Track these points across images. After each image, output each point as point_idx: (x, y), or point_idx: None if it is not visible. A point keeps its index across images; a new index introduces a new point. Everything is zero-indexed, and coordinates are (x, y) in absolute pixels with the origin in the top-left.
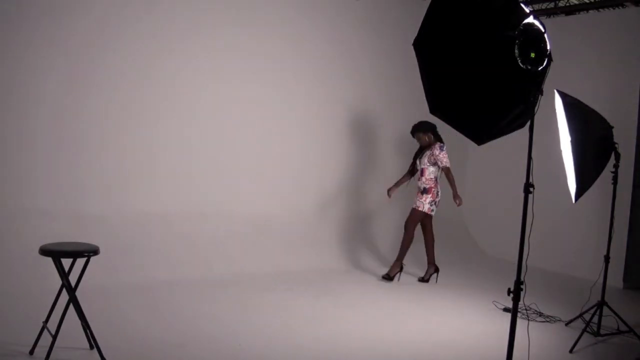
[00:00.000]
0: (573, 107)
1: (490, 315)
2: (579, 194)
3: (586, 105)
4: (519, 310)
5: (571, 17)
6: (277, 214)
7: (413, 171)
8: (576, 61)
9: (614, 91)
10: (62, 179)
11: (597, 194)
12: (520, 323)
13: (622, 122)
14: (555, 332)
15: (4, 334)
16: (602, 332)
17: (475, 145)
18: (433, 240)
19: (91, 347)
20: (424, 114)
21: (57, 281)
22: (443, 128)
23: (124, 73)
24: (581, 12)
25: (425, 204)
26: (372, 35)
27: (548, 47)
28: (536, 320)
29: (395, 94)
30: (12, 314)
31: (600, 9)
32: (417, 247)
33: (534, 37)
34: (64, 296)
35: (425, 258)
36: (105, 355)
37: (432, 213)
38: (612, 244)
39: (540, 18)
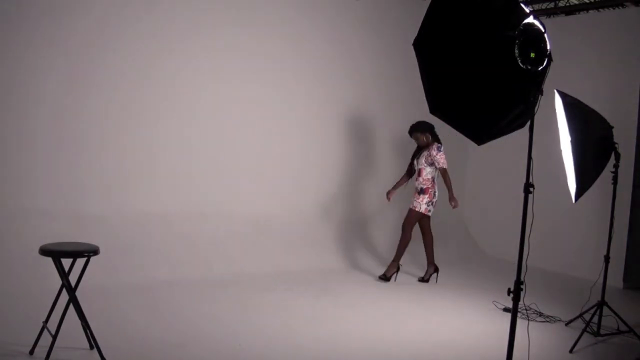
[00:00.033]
0: (573, 107)
1: (490, 315)
2: (579, 194)
3: (586, 105)
4: (519, 310)
5: (571, 17)
6: (277, 214)
7: (411, 172)
8: (576, 61)
9: (614, 91)
10: (62, 179)
11: (597, 194)
12: (520, 323)
13: (622, 122)
14: (555, 332)
15: (4, 334)
16: (602, 332)
17: (475, 145)
18: (432, 240)
19: (91, 347)
20: (424, 114)
21: (57, 281)
22: (443, 128)
23: (124, 73)
24: (581, 12)
25: (422, 204)
26: (372, 35)
27: (548, 47)
28: (536, 320)
29: (395, 94)
30: (12, 314)
31: (600, 9)
32: (416, 247)
33: (534, 37)
34: (64, 296)
35: (424, 258)
36: (105, 355)
37: (429, 213)
38: (612, 244)
39: (540, 18)
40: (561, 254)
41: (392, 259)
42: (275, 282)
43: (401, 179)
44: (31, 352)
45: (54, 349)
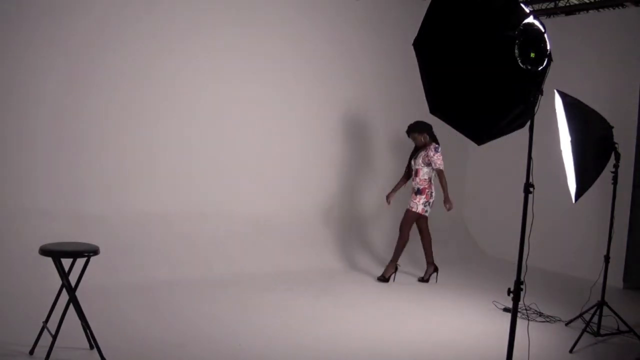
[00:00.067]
0: (573, 107)
1: (490, 315)
2: (579, 194)
3: (586, 105)
4: (519, 310)
5: (571, 17)
6: (277, 214)
7: (409, 174)
8: (576, 61)
9: (614, 91)
10: (62, 179)
11: (597, 194)
12: (520, 323)
13: (622, 122)
14: (555, 332)
15: (4, 334)
16: (602, 332)
17: (475, 145)
18: (430, 240)
19: (91, 347)
20: (424, 114)
21: (57, 281)
22: (443, 128)
23: (124, 73)
24: (581, 12)
25: (418, 204)
26: (372, 35)
27: (548, 47)
28: (536, 320)
29: (395, 94)
30: (12, 314)
31: (600, 9)
32: (414, 248)
33: (534, 37)
34: (64, 296)
35: (424, 258)
36: (105, 355)
37: (426, 214)
38: (612, 244)
39: (540, 18)
40: (561, 254)
41: (390, 259)
42: (275, 282)
43: (400, 181)
44: (31, 352)
45: (54, 349)
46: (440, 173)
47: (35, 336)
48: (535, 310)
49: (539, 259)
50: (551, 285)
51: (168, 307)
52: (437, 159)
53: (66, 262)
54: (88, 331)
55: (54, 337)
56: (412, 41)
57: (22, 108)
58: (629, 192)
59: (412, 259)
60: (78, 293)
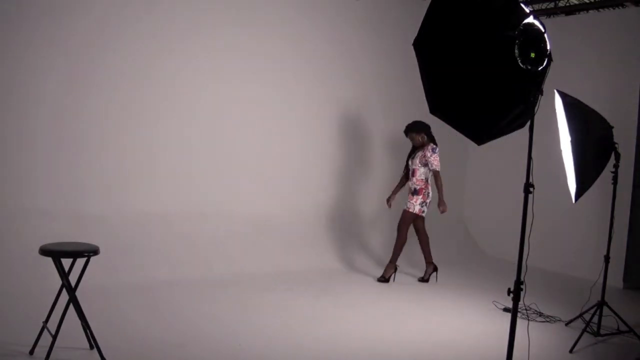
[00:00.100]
0: (573, 107)
1: (490, 315)
2: (579, 194)
3: (586, 105)
4: (519, 310)
5: (571, 17)
6: (277, 214)
7: (408, 175)
8: (576, 61)
9: (614, 91)
10: (62, 179)
11: (597, 194)
12: (520, 323)
13: (622, 122)
14: (555, 332)
15: (4, 334)
16: (602, 332)
17: (475, 145)
18: (428, 240)
19: (91, 347)
20: (424, 114)
21: (57, 281)
22: (443, 128)
23: (124, 73)
24: (581, 12)
25: (415, 205)
26: (372, 35)
27: (548, 47)
28: (536, 320)
29: (395, 94)
30: (12, 314)
31: (600, 9)
32: (413, 248)
33: (534, 37)
34: (64, 296)
35: (422, 258)
36: (105, 355)
37: (423, 214)
38: (612, 244)
39: (540, 18)
40: (561, 254)
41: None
42: (275, 282)
43: (399, 183)
44: (31, 352)
45: (54, 349)
46: (436, 174)
47: (35, 336)
48: (535, 310)
49: (539, 259)
50: (551, 285)
51: (168, 307)
52: (434, 160)
53: (66, 262)
54: (88, 331)
55: (54, 337)
56: (412, 41)
57: (22, 108)
58: (629, 192)
59: (410, 259)
60: (78, 293)
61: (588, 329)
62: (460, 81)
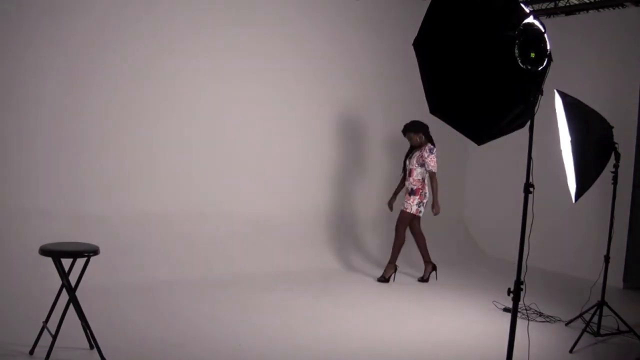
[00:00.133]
0: (573, 107)
1: (490, 315)
2: (579, 194)
3: (586, 105)
4: (519, 310)
5: (571, 17)
6: (277, 214)
7: (406, 175)
8: (576, 61)
9: (614, 91)
10: (62, 179)
11: (597, 194)
12: (520, 323)
13: (622, 122)
14: (555, 332)
15: (4, 334)
16: (602, 332)
17: (475, 145)
18: (424, 239)
19: (91, 347)
20: (424, 114)
21: (57, 281)
22: (443, 128)
23: (124, 73)
24: (581, 12)
25: (413, 205)
26: (372, 35)
27: (548, 47)
28: (536, 320)
29: (395, 94)
30: (12, 314)
31: (600, 9)
32: (410, 248)
33: (534, 37)
34: (64, 296)
35: (420, 258)
36: (105, 355)
37: (420, 214)
38: (612, 244)
39: (540, 18)
40: (561, 254)
41: (388, 260)
42: (275, 282)
43: (398, 185)
44: (31, 352)
45: (54, 349)
46: (432, 175)
47: (35, 336)
48: (535, 310)
49: (539, 259)
50: (551, 285)
51: (168, 307)
52: (431, 161)
53: (66, 262)
54: (88, 331)
55: (54, 337)
56: (412, 41)
57: (22, 108)
58: (629, 192)
59: (409, 259)
60: (78, 293)
61: (588, 329)
62: (460, 81)
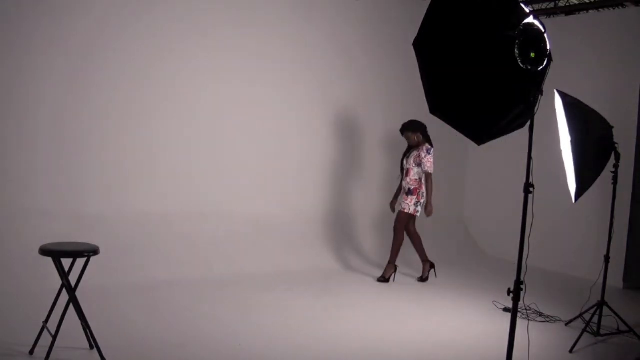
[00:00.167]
0: (573, 107)
1: (490, 315)
2: (579, 194)
3: (586, 105)
4: (519, 310)
5: (571, 17)
6: (277, 214)
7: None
8: (576, 61)
9: (614, 91)
10: (62, 179)
11: (597, 194)
12: (520, 323)
13: (622, 122)
14: (555, 332)
15: (4, 334)
16: (602, 332)
17: (475, 145)
18: (419, 239)
19: (91, 347)
20: (423, 114)
21: (57, 281)
22: (443, 128)
23: (124, 73)
24: (581, 12)
25: (410, 205)
26: (372, 35)
27: (548, 47)
28: (536, 320)
29: (395, 94)
30: (12, 314)
31: (600, 9)
32: (408, 249)
33: (534, 37)
34: (64, 296)
35: (418, 258)
36: (105, 355)
37: (417, 214)
38: (612, 244)
39: (540, 18)
40: (561, 254)
41: (388, 260)
42: (275, 282)
43: (399, 187)
44: (31, 352)
45: (54, 349)
46: (428, 176)
47: (35, 336)
48: (535, 310)
49: (539, 259)
50: (551, 285)
51: (168, 307)
52: (427, 162)
53: (66, 262)
54: (88, 331)
55: (54, 337)
56: (412, 41)
57: (22, 108)
58: (629, 192)
59: (407, 260)
60: (78, 293)
61: (588, 329)
62: (460, 81)
